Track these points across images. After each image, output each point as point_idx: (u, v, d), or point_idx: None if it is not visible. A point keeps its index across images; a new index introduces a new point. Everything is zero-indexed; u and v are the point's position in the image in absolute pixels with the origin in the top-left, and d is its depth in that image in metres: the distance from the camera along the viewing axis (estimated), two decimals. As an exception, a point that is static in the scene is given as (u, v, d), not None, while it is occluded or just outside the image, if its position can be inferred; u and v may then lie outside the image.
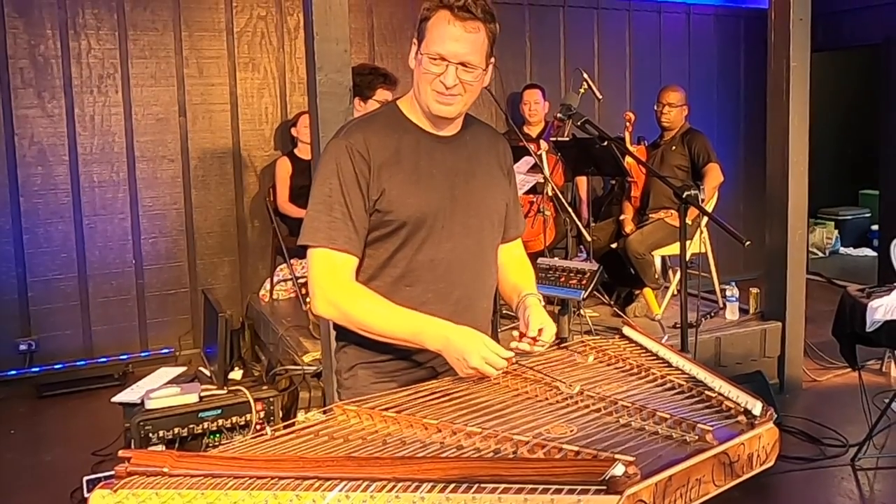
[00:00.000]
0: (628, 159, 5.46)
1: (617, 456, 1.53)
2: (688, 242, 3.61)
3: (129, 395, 4.19)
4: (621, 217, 5.96)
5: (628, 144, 6.04)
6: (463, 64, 2.02)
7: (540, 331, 2.09)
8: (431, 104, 2.07)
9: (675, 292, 5.55)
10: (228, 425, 3.97)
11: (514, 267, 2.39)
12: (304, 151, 5.93)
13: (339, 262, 2.05)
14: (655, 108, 5.93)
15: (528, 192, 5.10)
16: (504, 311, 5.38)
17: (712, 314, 5.64)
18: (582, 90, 5.64)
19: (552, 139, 5.84)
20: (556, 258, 5.14)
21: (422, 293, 2.11)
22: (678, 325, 4.12)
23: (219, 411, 3.98)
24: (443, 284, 2.13)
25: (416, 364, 2.18)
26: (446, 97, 2.05)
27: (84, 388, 5.52)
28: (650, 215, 5.75)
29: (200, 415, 3.95)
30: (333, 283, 2.06)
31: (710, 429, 1.73)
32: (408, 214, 2.07)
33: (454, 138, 2.19)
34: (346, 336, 2.18)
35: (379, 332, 2.06)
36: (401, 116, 2.15)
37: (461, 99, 2.07)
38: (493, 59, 2.11)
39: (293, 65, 6.39)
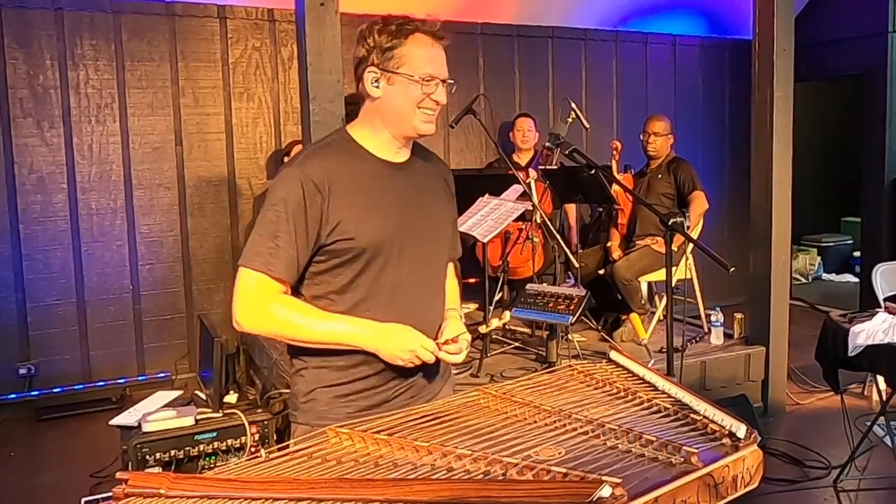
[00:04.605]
0: (615, 187, 5.53)
1: (604, 478, 1.56)
2: (674, 269, 3.63)
3: (126, 418, 4.20)
4: (608, 244, 6.01)
5: (615, 173, 6.11)
6: (444, 81, 2.13)
7: (455, 339, 2.21)
8: (419, 125, 2.15)
9: (662, 317, 5.61)
10: (224, 448, 3.97)
11: (449, 283, 2.46)
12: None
13: (273, 286, 2.06)
14: (641, 137, 5.99)
15: (517, 220, 5.17)
16: (493, 336, 5.46)
17: (698, 339, 5.69)
18: (570, 119, 5.74)
19: (541, 167, 5.92)
20: (544, 284, 5.17)
21: (380, 316, 2.13)
22: (664, 350, 4.15)
23: (214, 434, 3.99)
24: (401, 308, 2.16)
25: (375, 387, 2.19)
26: (433, 115, 2.15)
27: (82, 411, 5.55)
28: (637, 242, 5.80)
29: (196, 437, 3.96)
30: (264, 299, 2.06)
31: (696, 451, 1.76)
32: (367, 242, 2.09)
33: (406, 165, 2.24)
34: (304, 360, 2.19)
35: (313, 339, 2.09)
36: (355, 144, 2.17)
37: (437, 116, 2.19)
38: None
39: (287, 95, 6.46)
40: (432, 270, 2.28)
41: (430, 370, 2.25)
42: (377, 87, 2.11)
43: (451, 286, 2.46)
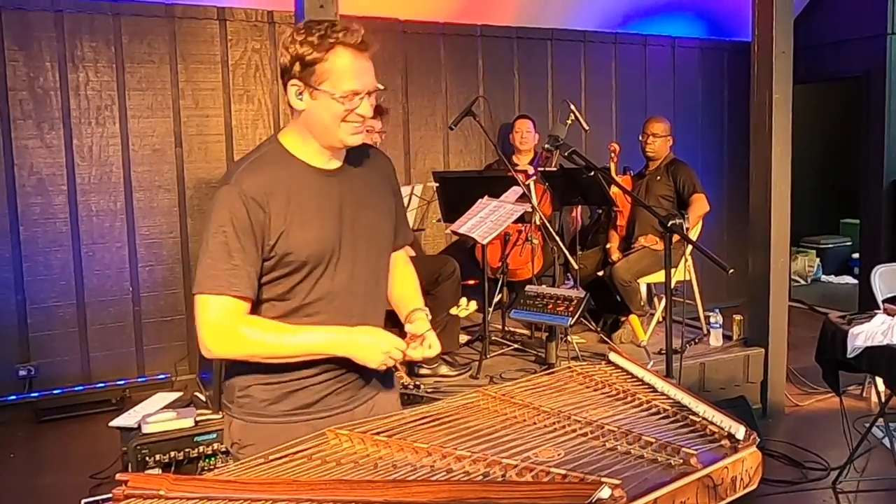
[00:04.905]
0: (614, 189, 5.56)
1: (603, 479, 1.57)
2: (673, 270, 3.65)
3: (126, 419, 4.22)
4: (607, 245, 6.02)
5: (614, 174, 6.12)
6: (370, 92, 2.08)
7: (422, 338, 2.24)
8: (346, 138, 2.10)
9: (661, 319, 5.62)
10: (223, 449, 3.96)
11: (399, 275, 2.48)
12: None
13: (238, 307, 2.06)
14: (640, 138, 6.00)
15: (516, 221, 5.18)
16: (493, 338, 5.47)
17: (697, 340, 5.71)
18: (569, 121, 5.76)
19: (540, 169, 5.93)
20: (543, 286, 5.19)
21: (320, 321, 2.14)
22: (663, 351, 4.17)
23: (214, 435, 4.01)
24: (340, 313, 2.17)
25: (312, 385, 2.19)
26: (360, 127, 2.11)
27: (82, 412, 5.55)
28: (636, 243, 5.82)
29: (196, 439, 3.98)
30: (232, 322, 2.05)
31: (695, 452, 1.77)
32: (307, 254, 2.10)
33: (339, 171, 2.21)
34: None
35: (288, 354, 2.09)
36: (286, 154, 2.14)
37: (365, 128, 2.15)
38: None
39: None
40: (372, 274, 2.27)
41: (367, 372, 2.24)
42: (301, 100, 2.07)
43: (404, 277, 2.50)
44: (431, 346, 2.25)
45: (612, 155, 6.09)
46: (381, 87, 2.11)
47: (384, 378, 2.34)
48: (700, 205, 5.68)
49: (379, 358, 2.11)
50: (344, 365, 2.17)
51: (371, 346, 2.11)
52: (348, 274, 2.18)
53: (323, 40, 2.00)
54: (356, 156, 2.26)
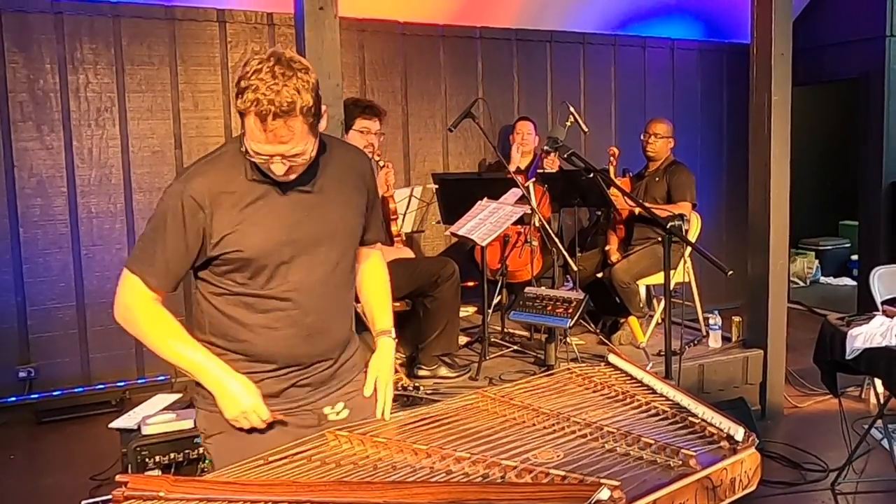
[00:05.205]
0: (613, 191, 5.56)
1: (602, 480, 1.59)
2: (672, 272, 3.66)
3: (126, 421, 4.22)
4: (607, 247, 6.03)
5: (613, 178, 6.12)
6: (284, 156, 2.04)
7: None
8: (276, 173, 2.08)
9: (660, 321, 5.61)
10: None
11: (369, 276, 2.52)
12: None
13: (146, 293, 2.16)
14: (642, 137, 6.00)
15: (516, 223, 5.19)
16: (492, 340, 5.48)
17: (696, 342, 5.71)
18: (568, 123, 5.76)
19: (539, 171, 5.94)
20: (542, 287, 5.19)
21: (273, 320, 2.20)
22: (662, 353, 4.18)
23: (214, 437, 4.02)
24: (294, 312, 2.21)
25: (273, 377, 2.24)
26: (285, 172, 2.08)
27: (82, 414, 5.55)
28: (634, 246, 5.83)
29: (196, 440, 3.97)
30: (135, 302, 2.17)
31: (694, 454, 1.78)
32: (251, 253, 2.13)
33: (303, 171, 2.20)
34: (207, 346, 2.23)
35: (165, 355, 2.20)
36: (242, 157, 2.13)
37: (301, 166, 2.11)
38: (324, 108, 2.11)
39: (286, 98, 6.45)
40: (330, 275, 2.27)
41: (327, 369, 2.29)
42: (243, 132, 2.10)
43: (374, 279, 2.53)
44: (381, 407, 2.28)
45: (612, 159, 6.09)
46: (298, 151, 2.04)
47: (350, 372, 2.37)
48: (679, 209, 5.60)
49: (234, 412, 2.15)
50: (305, 359, 2.24)
51: (234, 396, 2.15)
52: (305, 274, 2.20)
53: (244, 99, 1.97)
54: (325, 157, 2.25)
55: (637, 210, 5.69)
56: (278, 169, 2.06)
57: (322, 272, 2.23)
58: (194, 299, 2.29)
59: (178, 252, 2.13)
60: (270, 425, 2.19)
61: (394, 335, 2.42)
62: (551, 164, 6.10)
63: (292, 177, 2.12)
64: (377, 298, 2.50)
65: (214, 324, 2.23)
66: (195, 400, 2.32)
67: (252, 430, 2.18)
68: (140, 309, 2.17)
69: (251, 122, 1.98)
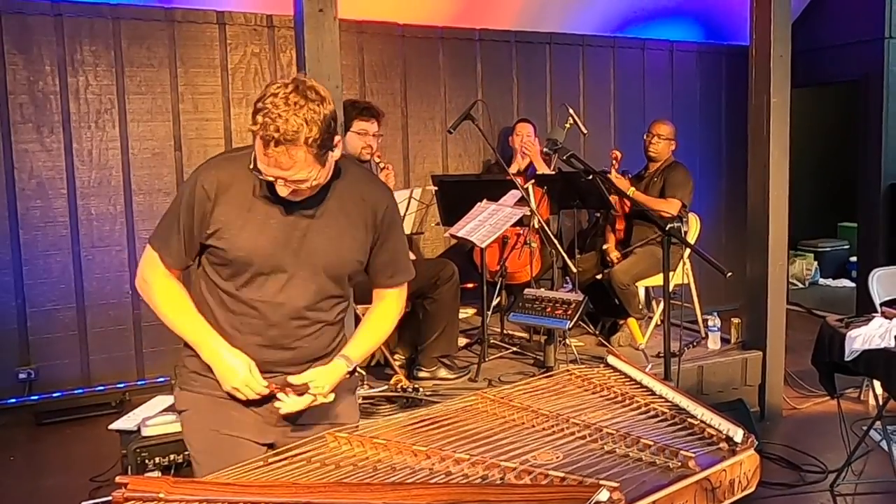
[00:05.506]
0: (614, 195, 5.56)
1: (602, 482, 1.59)
2: (671, 274, 3.66)
3: (126, 422, 4.23)
4: (604, 246, 6.03)
5: (614, 180, 6.11)
6: (285, 179, 2.09)
7: (297, 388, 2.25)
8: (280, 192, 2.14)
9: (659, 322, 5.62)
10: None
11: (371, 314, 2.51)
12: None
13: (161, 268, 2.30)
14: (645, 137, 6.01)
15: (515, 225, 5.19)
16: (491, 341, 5.49)
17: (695, 343, 5.70)
18: (568, 125, 5.77)
19: (538, 173, 5.94)
20: (542, 289, 5.18)
21: (239, 323, 2.28)
22: (661, 355, 4.20)
23: (214, 439, 4.02)
24: (259, 321, 2.27)
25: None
26: (289, 190, 2.12)
27: (82, 415, 5.55)
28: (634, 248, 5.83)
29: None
30: (152, 276, 2.31)
31: (693, 455, 1.79)
32: (234, 255, 2.22)
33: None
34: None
35: (173, 327, 2.32)
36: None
37: (307, 191, 2.15)
38: (337, 139, 2.15)
39: (286, 100, 6.45)
40: (304, 295, 2.28)
41: (292, 361, 2.31)
42: None
43: (376, 314, 2.50)
44: (297, 402, 2.25)
45: (614, 162, 6.08)
46: (299, 178, 2.08)
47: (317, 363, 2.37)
48: (667, 204, 5.67)
49: (230, 383, 2.24)
50: (269, 365, 2.28)
51: (231, 369, 2.23)
52: (277, 291, 2.25)
53: (255, 120, 2.04)
54: (341, 186, 2.29)
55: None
56: (282, 190, 2.13)
57: (296, 294, 2.26)
58: (192, 276, 2.40)
59: (188, 233, 2.25)
60: (256, 402, 2.27)
61: (352, 367, 2.35)
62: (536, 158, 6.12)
63: (298, 198, 2.18)
64: (363, 332, 2.47)
65: (197, 305, 2.32)
66: (174, 379, 2.44)
67: (249, 403, 2.27)
68: (156, 283, 2.31)
69: (257, 143, 2.06)
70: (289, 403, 2.22)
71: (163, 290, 2.30)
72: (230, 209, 2.20)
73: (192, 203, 2.21)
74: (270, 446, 2.30)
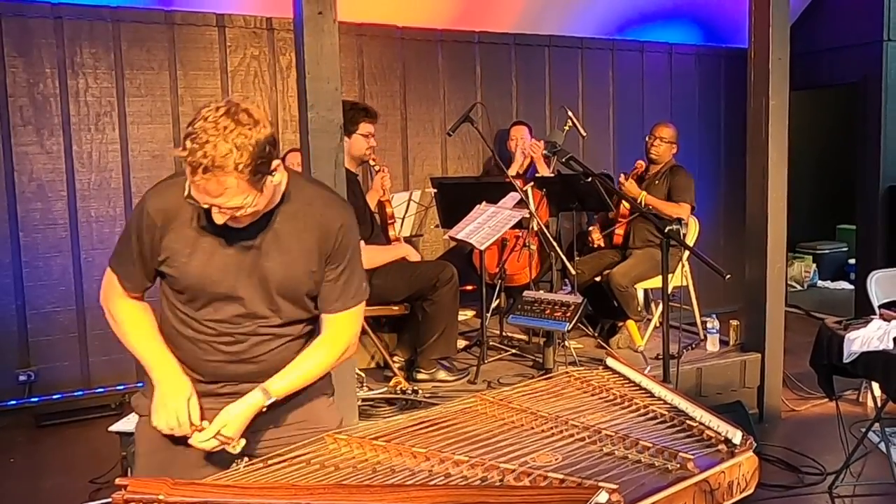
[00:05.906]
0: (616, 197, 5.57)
1: (601, 484, 1.59)
2: (670, 276, 3.66)
3: (125, 424, 4.19)
4: (590, 227, 6.03)
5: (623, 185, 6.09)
6: (219, 207, 2.00)
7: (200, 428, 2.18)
8: (215, 218, 2.06)
9: (658, 324, 5.63)
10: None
11: (314, 345, 2.32)
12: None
13: (119, 287, 2.27)
14: (647, 139, 6.02)
15: (514, 227, 5.20)
16: (490, 343, 5.49)
17: (693, 346, 5.71)
18: (567, 127, 5.78)
19: (538, 175, 5.94)
20: (541, 291, 5.19)
21: (201, 342, 2.24)
22: (660, 357, 4.20)
23: (213, 440, 4.01)
24: (218, 341, 2.23)
25: (201, 380, 2.27)
26: (224, 217, 2.04)
27: (82, 417, 5.55)
28: (633, 251, 5.85)
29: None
30: (112, 295, 2.29)
31: (692, 457, 1.80)
32: (187, 282, 2.17)
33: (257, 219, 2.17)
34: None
35: (129, 347, 2.28)
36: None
37: (247, 217, 2.08)
38: (275, 164, 2.04)
39: (285, 103, 6.46)
40: (256, 322, 2.23)
41: (259, 374, 2.25)
42: None
43: (313, 350, 2.31)
44: (208, 440, 2.14)
45: (635, 171, 6.07)
46: (234, 205, 1.99)
47: (287, 412, 2.31)
48: (679, 208, 5.69)
49: (160, 412, 2.17)
50: (234, 378, 2.25)
51: (164, 397, 2.18)
52: (234, 312, 2.21)
53: (183, 140, 1.95)
54: (294, 207, 2.20)
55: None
56: (218, 218, 2.04)
57: (252, 318, 2.23)
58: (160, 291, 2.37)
59: (143, 261, 2.22)
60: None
61: (270, 401, 2.21)
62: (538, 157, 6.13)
63: (239, 225, 2.10)
64: (297, 365, 2.27)
65: (161, 321, 2.31)
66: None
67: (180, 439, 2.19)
68: (112, 302, 2.29)
69: (187, 170, 1.95)
70: (198, 439, 2.14)
71: (121, 310, 2.28)
72: (178, 237, 2.15)
73: (142, 230, 2.17)
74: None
